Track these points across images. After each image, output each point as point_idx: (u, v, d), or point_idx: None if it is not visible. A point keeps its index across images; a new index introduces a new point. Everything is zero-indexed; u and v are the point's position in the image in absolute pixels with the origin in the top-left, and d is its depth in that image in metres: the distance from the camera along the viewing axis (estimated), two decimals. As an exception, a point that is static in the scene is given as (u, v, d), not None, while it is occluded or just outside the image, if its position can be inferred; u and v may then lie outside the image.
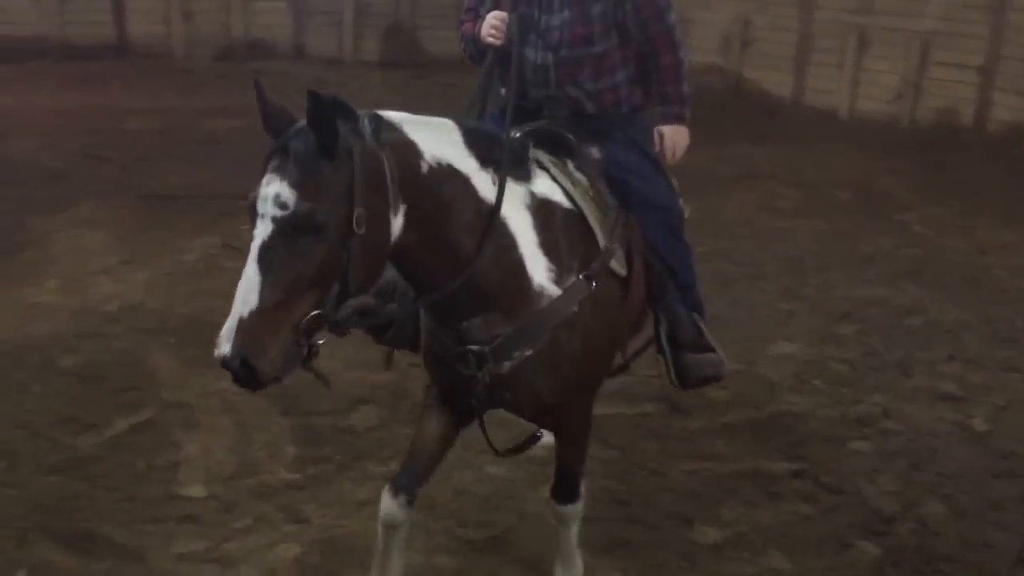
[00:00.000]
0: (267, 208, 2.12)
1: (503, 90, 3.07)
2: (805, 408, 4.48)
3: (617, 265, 2.76)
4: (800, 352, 5.07)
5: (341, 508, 3.56)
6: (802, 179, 8.18)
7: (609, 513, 3.60)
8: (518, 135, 2.79)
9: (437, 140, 2.41)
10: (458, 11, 3.54)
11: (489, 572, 3.26)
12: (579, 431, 2.93)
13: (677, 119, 3.16)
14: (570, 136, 2.88)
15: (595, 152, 2.95)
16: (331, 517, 3.53)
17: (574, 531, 3.06)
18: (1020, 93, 8.80)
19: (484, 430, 2.81)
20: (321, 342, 2.21)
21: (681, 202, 3.42)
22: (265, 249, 2.11)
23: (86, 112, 9.01)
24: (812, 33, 10.16)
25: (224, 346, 2.07)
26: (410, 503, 2.86)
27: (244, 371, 2.09)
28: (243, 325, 2.08)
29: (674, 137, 3.16)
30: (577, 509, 3.02)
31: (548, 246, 2.60)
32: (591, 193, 2.79)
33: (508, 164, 2.54)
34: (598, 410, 4.01)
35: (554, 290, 2.57)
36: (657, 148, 3.17)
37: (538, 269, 2.57)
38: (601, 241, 2.72)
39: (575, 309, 2.60)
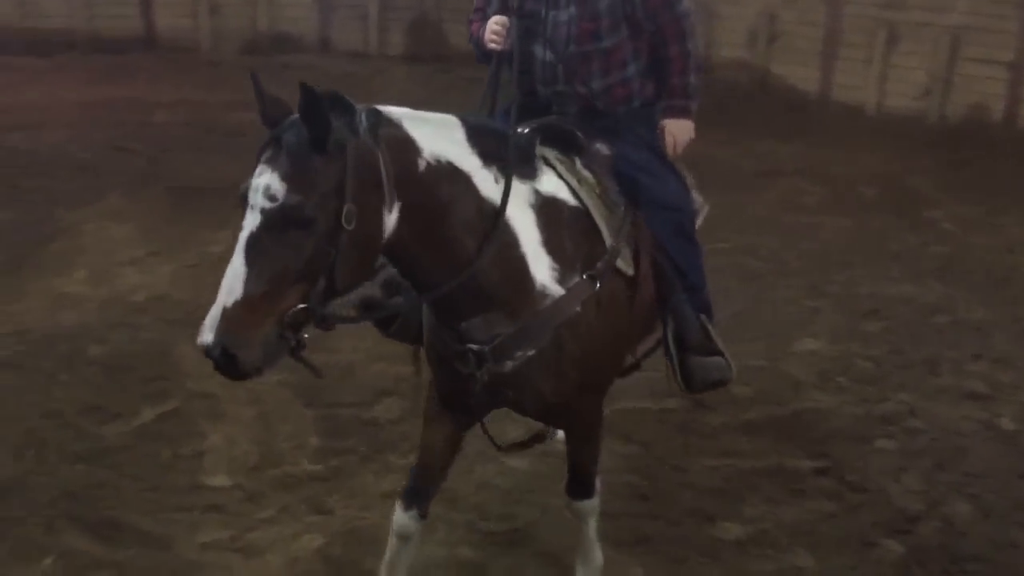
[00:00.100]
0: (257, 199, 2.11)
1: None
2: (830, 405, 4.45)
3: (624, 264, 2.72)
4: (825, 349, 5.04)
5: (364, 500, 3.58)
6: (828, 175, 8.11)
7: (631, 508, 3.60)
8: (525, 132, 2.76)
9: (437, 137, 2.38)
10: (484, 4, 3.51)
11: (510, 565, 3.27)
12: (589, 431, 2.89)
13: (681, 112, 3.08)
14: (578, 133, 2.84)
15: (604, 149, 2.90)
16: (354, 508, 3.55)
17: (592, 525, 3.05)
18: (1051, 89, 8.69)
19: (485, 429, 2.81)
20: (307, 335, 2.19)
21: (699, 200, 3.38)
22: (253, 240, 2.10)
23: (114, 104, 9.08)
24: (840, 28, 10.05)
25: (207, 335, 2.07)
26: (422, 516, 2.90)
27: (225, 360, 2.08)
28: (226, 315, 2.07)
29: (675, 131, 3.08)
30: (592, 505, 3.00)
31: (552, 245, 2.55)
32: (597, 191, 2.74)
33: (513, 163, 2.50)
34: (621, 405, 4.03)
35: (557, 290, 2.53)
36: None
37: (541, 268, 2.53)
38: (607, 240, 2.67)
39: (578, 309, 2.56)
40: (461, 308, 2.48)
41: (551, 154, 2.75)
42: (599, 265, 2.62)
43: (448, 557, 3.29)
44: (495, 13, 3.04)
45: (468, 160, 2.42)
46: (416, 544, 2.95)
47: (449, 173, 2.37)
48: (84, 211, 6.41)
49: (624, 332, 2.79)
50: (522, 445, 2.98)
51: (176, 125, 8.60)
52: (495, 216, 2.44)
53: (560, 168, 2.71)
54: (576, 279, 2.57)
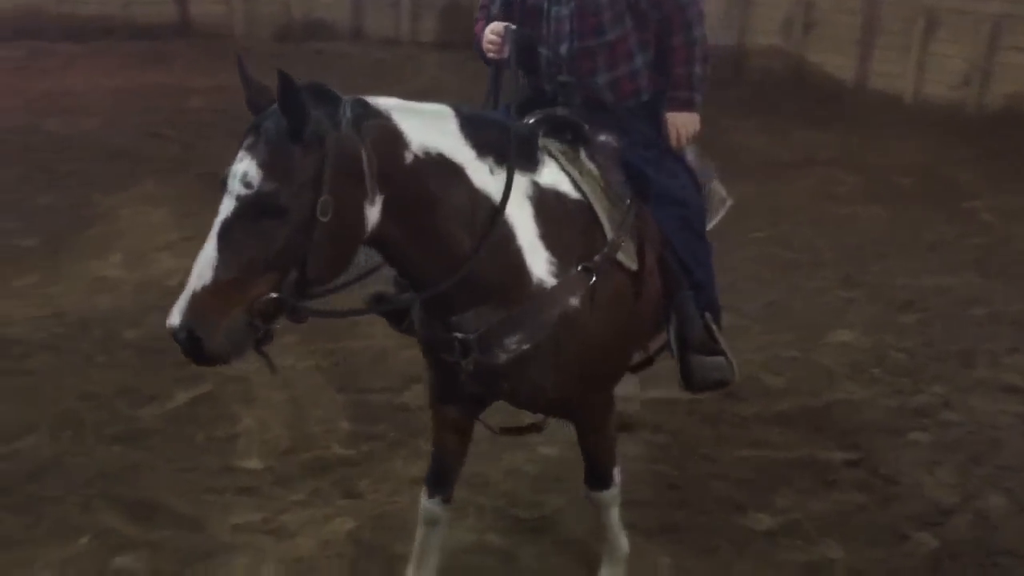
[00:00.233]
0: (234, 185, 2.10)
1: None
2: (863, 397, 4.41)
3: (625, 258, 2.65)
4: (858, 340, 4.99)
5: (394, 484, 3.60)
6: (864, 165, 8.02)
7: (660, 497, 3.59)
8: (529, 123, 2.73)
9: (428, 128, 2.33)
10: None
11: (539, 552, 3.28)
12: (597, 425, 2.84)
13: (684, 104, 2.98)
14: (583, 124, 2.78)
15: (612, 141, 2.84)
16: (384, 493, 3.57)
17: (614, 514, 3.01)
18: (1094, 78, 8.53)
19: (480, 418, 2.80)
20: (276, 327, 2.18)
21: (722, 192, 3.33)
22: (226, 226, 2.10)
23: (148, 91, 9.17)
24: (878, 15, 9.92)
25: (174, 317, 2.06)
26: (446, 501, 2.91)
27: (191, 345, 2.07)
28: (195, 299, 2.07)
29: (679, 124, 2.98)
30: (611, 495, 2.95)
31: (550, 238, 2.50)
32: (601, 184, 2.69)
33: (513, 155, 2.46)
34: (651, 395, 4.02)
35: (554, 283, 2.50)
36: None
37: (538, 262, 2.48)
38: (608, 233, 2.62)
39: (574, 303, 2.51)
40: (453, 303, 2.44)
41: (554, 146, 2.70)
42: (596, 258, 2.55)
43: (477, 543, 3.31)
44: (499, 11, 2.99)
45: (461, 152, 2.38)
46: (444, 529, 2.96)
47: (440, 165, 2.33)
48: (120, 196, 6.49)
49: (627, 327, 2.72)
50: (518, 431, 2.93)
51: (210, 111, 8.65)
52: (491, 209, 2.40)
53: (562, 160, 2.66)
54: (571, 271, 2.52)
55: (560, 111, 2.83)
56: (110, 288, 5.20)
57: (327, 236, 2.14)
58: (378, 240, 2.30)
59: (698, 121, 2.99)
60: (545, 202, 2.54)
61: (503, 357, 2.49)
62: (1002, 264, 6.03)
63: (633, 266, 2.67)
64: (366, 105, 2.26)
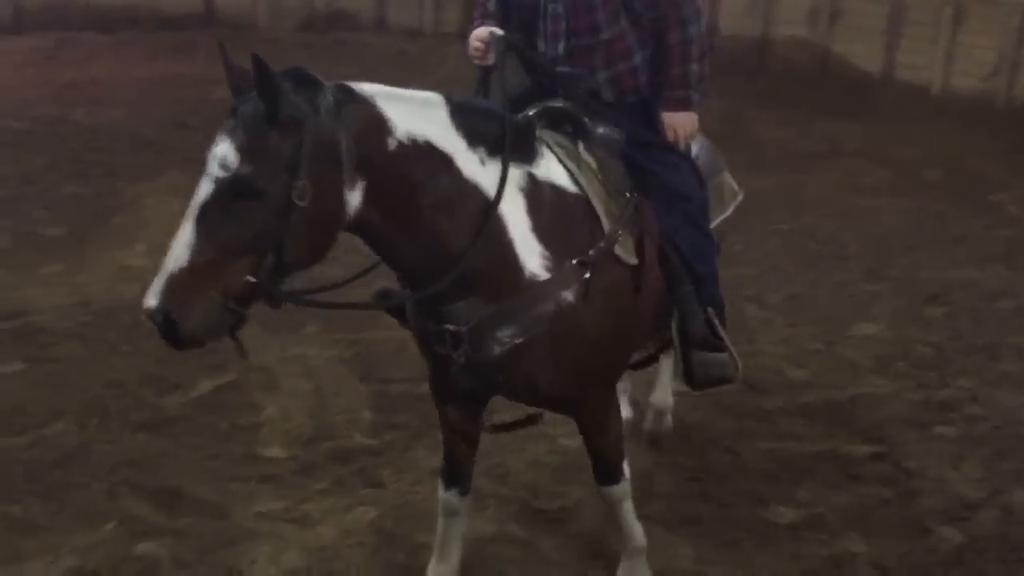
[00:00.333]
0: (212, 168, 2.11)
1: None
2: (888, 391, 4.38)
3: (623, 252, 2.60)
4: (884, 334, 4.96)
5: (415, 474, 3.61)
6: (890, 157, 7.95)
7: (683, 489, 3.58)
8: (528, 114, 2.70)
9: (415, 116, 2.31)
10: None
11: (560, 542, 3.28)
12: (599, 422, 2.78)
13: (682, 103, 2.87)
14: (583, 117, 2.74)
15: (612, 134, 2.79)
16: (406, 483, 3.58)
17: (627, 508, 2.96)
18: None
19: (482, 419, 2.78)
20: (247, 309, 2.17)
21: (733, 185, 3.27)
22: (204, 209, 2.10)
23: (173, 81, 9.22)
24: (904, 5, 9.81)
25: (151, 299, 2.06)
26: (463, 493, 2.91)
27: (166, 326, 2.07)
28: (171, 281, 2.07)
29: (676, 124, 2.87)
30: (621, 490, 2.90)
31: (544, 232, 2.47)
32: (599, 177, 2.65)
33: (508, 147, 2.43)
34: (674, 386, 4.00)
35: (547, 277, 2.46)
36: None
37: (531, 256, 2.45)
38: (605, 227, 2.57)
39: (568, 297, 2.47)
40: (442, 294, 2.41)
41: (552, 138, 2.66)
42: (591, 252, 2.51)
43: (498, 533, 3.31)
44: (495, 7, 2.95)
45: (450, 140, 2.35)
46: (464, 519, 2.97)
47: (426, 153, 2.31)
48: (145, 186, 6.53)
49: (625, 323, 2.66)
50: (509, 426, 2.90)
51: (234, 102, 8.69)
52: (481, 200, 2.37)
53: (560, 152, 2.63)
54: (563, 264, 2.48)
55: (560, 103, 2.79)
56: (135, 277, 5.23)
57: (305, 220, 2.13)
58: (361, 227, 2.28)
59: (696, 120, 2.89)
60: (540, 195, 2.50)
61: (496, 350, 2.46)
62: (1029, 257, 5.97)
63: (631, 260, 2.63)
64: (348, 90, 2.25)
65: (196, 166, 2.18)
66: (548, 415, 2.96)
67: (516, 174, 2.47)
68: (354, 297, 2.69)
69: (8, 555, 3.08)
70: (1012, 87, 9.14)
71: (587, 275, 2.49)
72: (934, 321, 5.12)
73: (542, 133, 2.66)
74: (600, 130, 2.77)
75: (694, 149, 3.09)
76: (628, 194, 2.72)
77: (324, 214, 2.18)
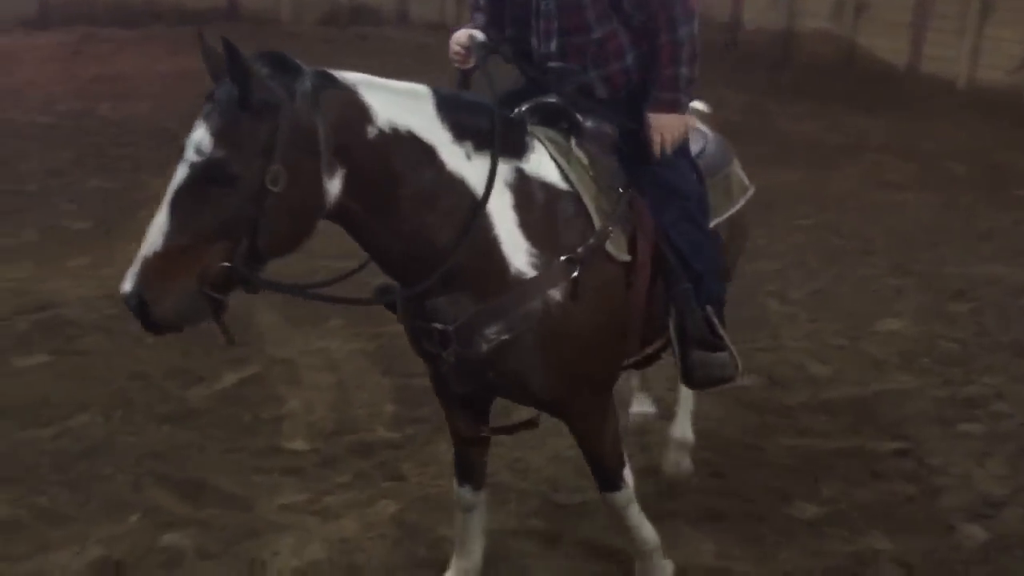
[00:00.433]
0: (188, 153, 2.10)
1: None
2: (912, 387, 4.35)
3: (615, 249, 2.54)
4: (908, 329, 4.92)
5: (437, 468, 3.62)
6: (916, 151, 7.89)
7: (704, 485, 3.57)
8: (521, 110, 2.67)
9: (398, 106, 2.28)
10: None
11: (581, 537, 3.28)
12: (594, 431, 2.71)
13: (669, 106, 2.75)
14: (575, 113, 2.69)
15: (606, 128, 2.73)
16: (428, 476, 3.59)
17: (632, 513, 2.86)
18: None
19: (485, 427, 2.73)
20: (225, 296, 2.16)
21: (743, 180, 3.20)
22: (179, 194, 2.09)
23: (197, 75, 9.17)
24: (931, -3, 9.73)
25: (126, 284, 2.06)
26: (477, 488, 2.90)
27: (141, 311, 2.08)
28: (145, 265, 2.07)
29: (662, 126, 2.74)
30: (624, 496, 2.81)
31: (530, 228, 2.43)
32: (590, 172, 2.60)
33: (497, 142, 2.39)
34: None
35: (533, 275, 2.42)
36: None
37: (517, 253, 2.41)
38: (596, 223, 2.52)
39: (556, 295, 2.42)
40: (426, 288, 2.38)
41: (544, 133, 2.62)
42: (580, 249, 2.46)
43: (519, 527, 3.31)
44: (486, 3, 2.91)
45: (434, 132, 2.33)
46: (482, 514, 2.96)
47: (408, 144, 2.28)
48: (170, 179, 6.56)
49: (616, 321, 2.60)
50: (508, 429, 2.84)
51: (258, 96, 8.74)
52: (466, 196, 2.35)
53: (551, 148, 2.58)
54: (550, 261, 2.43)
55: (552, 99, 2.74)
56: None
57: (279, 206, 2.11)
58: (341, 216, 2.26)
59: (684, 123, 2.79)
60: (528, 191, 2.47)
61: (484, 347, 2.42)
62: (1057, 253, 5.91)
63: (623, 257, 2.57)
64: (329, 77, 2.23)
65: (220, 159, 2.18)
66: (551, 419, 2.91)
67: (504, 169, 2.44)
68: (352, 288, 2.66)
69: (35, 545, 3.12)
70: (1040, 80, 9.05)
71: (576, 272, 2.45)
72: (959, 317, 5.07)
73: (534, 128, 2.62)
74: (593, 125, 2.72)
75: (700, 142, 3.05)
76: (621, 190, 2.66)
77: (300, 201, 2.16)
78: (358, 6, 11.87)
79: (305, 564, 3.09)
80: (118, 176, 6.71)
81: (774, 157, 7.51)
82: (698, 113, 3.29)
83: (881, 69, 9.94)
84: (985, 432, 4.00)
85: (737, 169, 3.21)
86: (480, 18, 2.91)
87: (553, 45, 2.79)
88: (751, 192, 3.21)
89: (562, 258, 2.44)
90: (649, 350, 2.90)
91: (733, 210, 3.11)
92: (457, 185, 2.35)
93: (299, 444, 3.78)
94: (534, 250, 2.43)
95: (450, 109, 2.37)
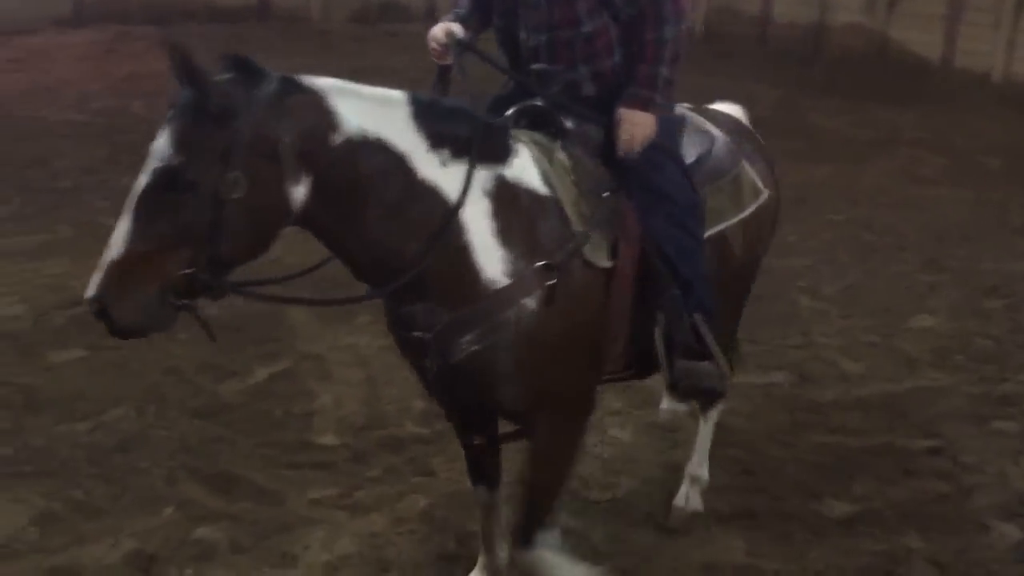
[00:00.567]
0: (151, 159, 2.10)
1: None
2: (946, 384, 4.30)
3: (593, 255, 2.48)
4: (942, 326, 4.87)
5: (466, 463, 3.62)
6: (950, 145, 7.79)
7: (735, 482, 3.56)
8: (508, 114, 2.63)
9: (369, 112, 2.26)
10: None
11: (610, 533, 3.27)
12: (549, 453, 2.58)
13: (643, 104, 2.64)
14: (561, 115, 2.64)
15: (592, 131, 2.68)
16: (457, 471, 3.59)
17: None
18: None
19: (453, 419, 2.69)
20: (191, 301, 2.15)
21: (757, 183, 3.04)
22: (140, 200, 2.08)
23: (229, 73, 9.35)
24: (966, -10, 9.61)
25: (90, 289, 2.06)
26: (492, 488, 2.89)
27: (103, 317, 2.08)
28: (107, 271, 2.06)
29: (632, 123, 2.63)
30: (535, 558, 2.57)
31: (506, 235, 2.38)
32: (572, 177, 2.53)
33: (475, 150, 2.36)
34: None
35: (507, 282, 2.37)
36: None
37: (491, 261, 2.36)
38: (575, 229, 2.46)
39: (530, 303, 2.38)
40: (400, 295, 2.37)
41: (530, 137, 2.57)
42: (558, 256, 2.41)
43: (549, 523, 3.31)
44: None
45: (407, 139, 2.30)
46: (502, 510, 2.95)
47: (377, 151, 2.25)
48: (202, 177, 6.63)
49: (593, 331, 2.54)
50: (500, 439, 2.80)
51: (288, 93, 8.80)
52: (439, 204, 2.31)
53: (535, 152, 2.53)
54: (525, 269, 2.38)
55: (538, 103, 2.68)
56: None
57: (239, 213, 2.10)
58: (308, 222, 2.25)
59: (655, 123, 2.66)
60: (507, 197, 2.42)
61: (458, 356, 2.39)
62: (1095, 248, 5.82)
63: (602, 264, 2.51)
64: (293, 82, 2.21)
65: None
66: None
67: (484, 176, 2.40)
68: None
69: (71, 538, 3.16)
70: (1077, 73, 8.92)
71: (552, 280, 2.39)
72: (994, 313, 5.01)
73: (519, 133, 2.57)
74: (579, 128, 2.66)
75: (705, 145, 2.93)
76: (606, 194, 2.59)
77: (261, 208, 2.14)
78: (387, 3, 11.91)
79: (335, 558, 3.11)
80: (151, 173, 6.77)
81: (805, 152, 7.45)
82: (713, 117, 3.14)
83: (914, 63, 9.83)
84: (1020, 430, 3.95)
85: (749, 173, 3.06)
86: (462, 9, 2.82)
87: (542, 39, 2.72)
88: (764, 197, 3.06)
89: (537, 265, 2.39)
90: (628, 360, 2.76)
91: (742, 215, 2.98)
92: (429, 193, 2.32)
93: (329, 439, 3.80)
94: (509, 257, 2.38)
95: (427, 116, 2.35)
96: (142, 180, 2.10)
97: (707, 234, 2.82)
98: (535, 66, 2.74)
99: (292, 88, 2.20)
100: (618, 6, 2.67)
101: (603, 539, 3.24)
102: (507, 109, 2.69)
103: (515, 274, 2.38)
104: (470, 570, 3.01)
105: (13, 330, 4.41)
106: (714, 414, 3.42)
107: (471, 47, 2.71)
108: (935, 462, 3.72)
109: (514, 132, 2.58)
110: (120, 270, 2.06)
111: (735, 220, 2.95)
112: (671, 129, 2.80)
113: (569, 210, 2.48)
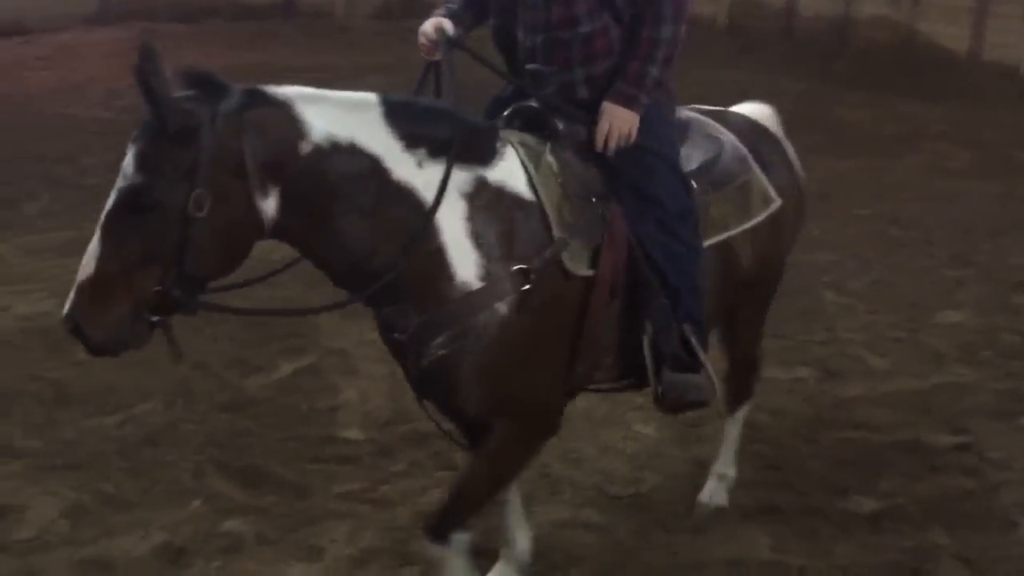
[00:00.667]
0: (119, 178, 2.10)
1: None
2: (973, 380, 4.27)
3: (572, 263, 2.43)
4: (969, 321, 4.83)
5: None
6: (977, 139, 7.72)
7: (759, 477, 3.55)
8: (504, 115, 2.62)
9: (339, 117, 2.24)
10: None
11: (634, 528, 3.28)
12: (494, 459, 2.53)
13: (627, 101, 2.59)
14: (553, 117, 2.61)
15: (584, 134, 2.62)
16: (481, 466, 3.61)
17: None
18: None
19: (434, 419, 2.66)
20: (166, 317, 2.17)
21: (768, 191, 2.96)
22: (109, 219, 2.09)
23: (254, 70, 9.38)
24: (994, -18, 9.50)
25: (65, 308, 2.08)
26: None
27: (77, 335, 2.09)
28: (80, 290, 2.07)
29: (614, 118, 2.58)
30: (442, 554, 2.55)
31: (482, 239, 2.35)
32: (559, 180, 2.49)
33: (453, 150, 2.33)
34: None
35: (480, 286, 2.35)
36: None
37: (464, 264, 2.33)
38: (556, 234, 2.42)
39: (502, 308, 2.34)
40: (373, 298, 2.36)
41: (520, 139, 2.54)
42: (535, 261, 2.37)
43: (573, 518, 3.32)
44: None
45: (380, 142, 2.28)
46: (517, 505, 2.96)
47: (348, 155, 2.23)
48: (227, 173, 6.67)
49: (566, 341, 2.49)
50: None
51: (312, 89, 8.84)
52: (414, 205, 2.29)
53: (522, 154, 2.48)
54: (499, 274, 2.35)
55: (532, 104, 2.64)
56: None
57: (208, 230, 2.09)
58: (282, 234, 2.24)
59: (636, 122, 2.60)
60: (486, 200, 2.38)
61: (429, 358, 2.38)
62: (1125, 243, 5.75)
63: (581, 272, 2.46)
64: (258, 95, 2.19)
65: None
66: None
67: (463, 178, 2.37)
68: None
69: (100, 530, 3.21)
70: (1108, 65, 8.80)
71: (527, 286, 2.36)
72: (1022, 308, 4.97)
73: (509, 134, 2.54)
74: (571, 130, 2.62)
75: (712, 150, 2.87)
76: (594, 199, 2.54)
77: (230, 223, 2.13)
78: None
79: (360, 551, 3.14)
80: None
81: (830, 146, 7.40)
82: (728, 120, 3.07)
83: (941, 56, 9.73)
84: (1049, 427, 3.92)
85: (760, 180, 2.97)
86: (455, 5, 2.77)
87: (539, 39, 2.67)
88: (775, 206, 2.98)
89: (511, 269, 2.35)
90: (625, 381, 2.73)
91: (750, 224, 2.91)
92: (404, 195, 2.30)
93: (354, 433, 3.83)
94: (483, 261, 2.35)
95: (401, 117, 2.32)
96: (111, 199, 2.10)
97: (709, 242, 2.76)
98: (528, 66, 2.70)
99: (256, 100, 2.18)
100: (619, 6, 2.63)
101: (627, 534, 3.24)
102: (504, 110, 2.67)
103: (489, 278, 2.34)
104: (493, 563, 3.02)
105: (43, 325, 4.46)
106: (742, 413, 3.41)
107: (460, 44, 2.67)
108: (962, 458, 3.70)
109: (504, 134, 2.54)
110: (92, 289, 2.08)
111: (741, 229, 2.88)
112: (668, 132, 2.74)
113: (551, 215, 2.44)
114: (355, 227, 2.26)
